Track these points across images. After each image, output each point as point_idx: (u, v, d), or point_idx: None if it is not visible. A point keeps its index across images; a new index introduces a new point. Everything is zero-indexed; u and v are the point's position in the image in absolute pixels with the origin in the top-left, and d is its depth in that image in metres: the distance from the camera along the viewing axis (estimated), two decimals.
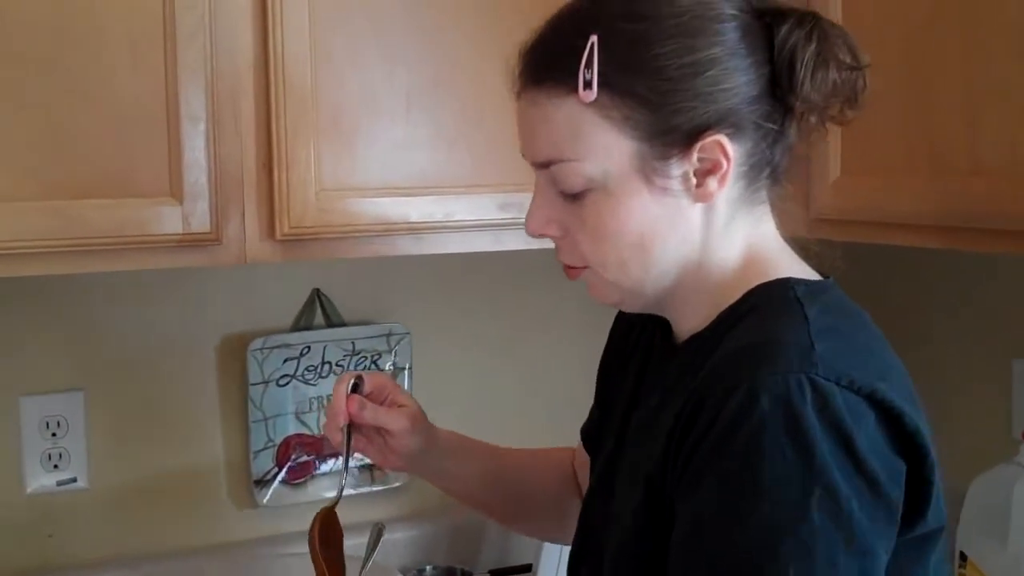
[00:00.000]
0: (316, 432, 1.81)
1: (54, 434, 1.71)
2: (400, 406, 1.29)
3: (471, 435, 1.91)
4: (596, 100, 1.00)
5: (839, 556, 0.89)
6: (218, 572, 1.71)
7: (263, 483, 1.79)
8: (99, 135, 1.33)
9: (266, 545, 1.79)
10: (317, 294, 1.81)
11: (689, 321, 1.08)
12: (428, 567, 1.84)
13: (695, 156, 1.01)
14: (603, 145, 1.01)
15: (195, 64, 1.37)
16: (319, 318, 1.82)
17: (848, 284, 1.08)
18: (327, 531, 1.27)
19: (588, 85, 1.00)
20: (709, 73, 1.00)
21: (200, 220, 1.37)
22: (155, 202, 1.36)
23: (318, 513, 1.28)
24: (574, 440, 1.34)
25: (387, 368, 1.84)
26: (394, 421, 1.27)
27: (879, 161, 1.56)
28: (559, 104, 1.01)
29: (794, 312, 0.98)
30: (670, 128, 1.00)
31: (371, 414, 1.26)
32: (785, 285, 1.02)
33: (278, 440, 1.79)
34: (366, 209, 1.45)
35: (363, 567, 1.65)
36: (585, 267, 1.06)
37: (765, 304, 1.02)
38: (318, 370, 1.81)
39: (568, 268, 1.08)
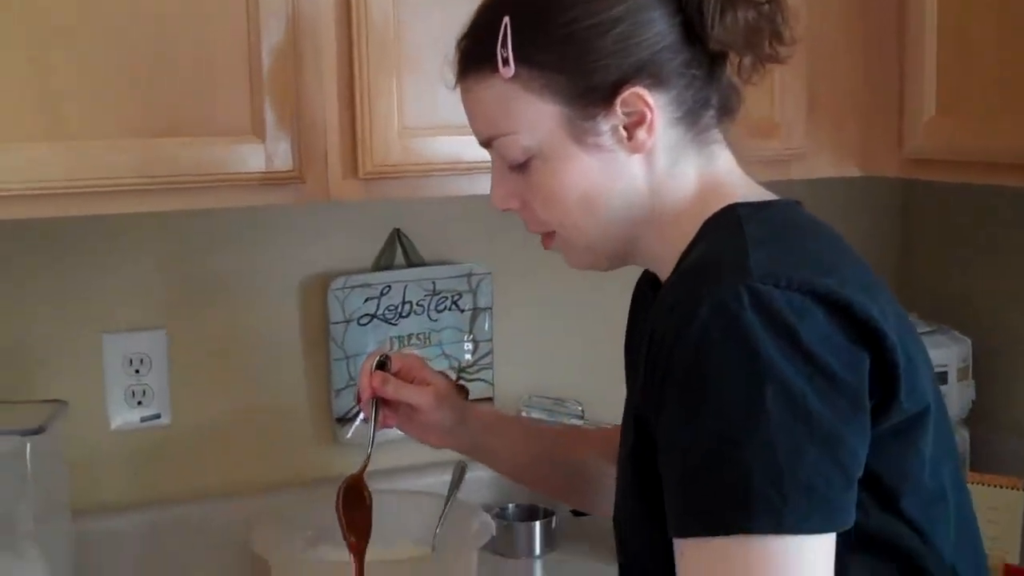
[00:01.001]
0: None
1: (137, 371, 1.72)
2: (427, 384, 1.32)
3: (553, 378, 1.92)
4: (516, 75, 1.06)
5: (805, 446, 0.90)
6: (299, 509, 1.71)
7: (344, 421, 1.79)
8: (182, 73, 1.33)
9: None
10: (397, 234, 1.80)
11: (663, 268, 1.10)
12: (510, 505, 1.84)
13: (619, 111, 1.05)
14: (531, 115, 1.06)
15: (276, 1, 1.35)
16: (399, 258, 1.81)
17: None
18: (353, 497, 1.33)
19: (506, 62, 1.06)
20: (616, 31, 1.04)
21: (283, 158, 1.37)
22: (238, 140, 1.35)
23: (345, 479, 1.33)
24: None
25: (467, 309, 1.83)
26: (418, 396, 1.31)
27: (976, 99, 1.52)
28: (487, 85, 1.08)
29: (733, 231, 1.01)
30: (588, 88, 1.05)
31: (393, 389, 1.31)
32: (729, 210, 1.05)
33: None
34: (449, 147, 1.43)
35: (446, 504, 1.66)
36: (553, 232, 1.12)
37: (711, 231, 1.04)
38: (399, 310, 1.80)
39: (542, 239, 1.14)
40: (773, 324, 0.91)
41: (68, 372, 1.68)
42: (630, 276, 1.24)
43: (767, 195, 1.10)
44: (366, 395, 1.32)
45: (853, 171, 1.68)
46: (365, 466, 1.34)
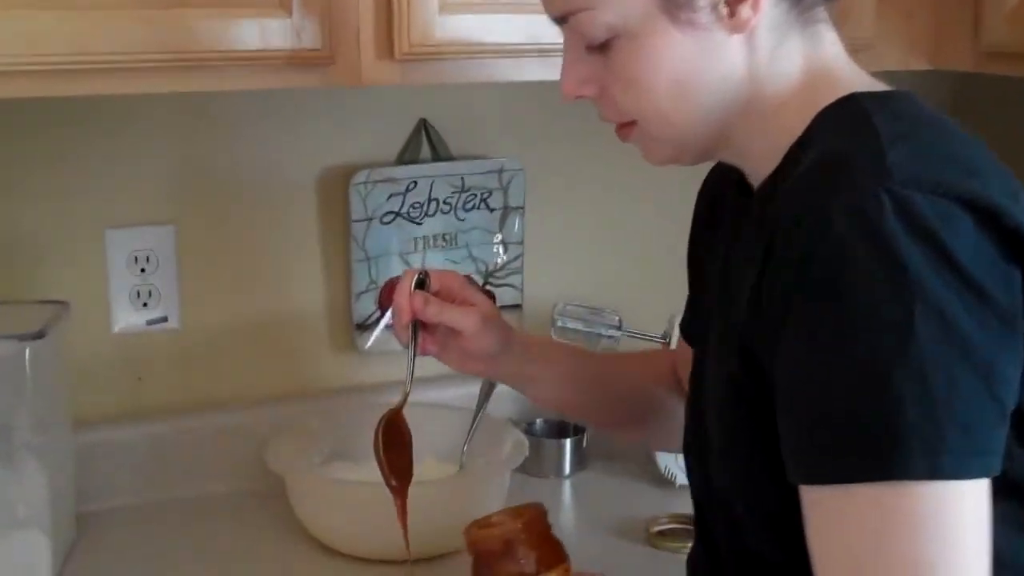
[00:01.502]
0: None
1: (143, 270, 1.59)
2: (470, 305, 1.19)
3: (588, 285, 1.80)
4: None
5: (958, 374, 0.79)
6: (315, 419, 1.60)
7: (365, 327, 1.67)
8: None
9: (367, 392, 1.68)
10: (424, 125, 1.67)
11: (759, 166, 0.97)
12: (538, 421, 1.73)
13: None
14: None
15: None
16: (425, 151, 1.68)
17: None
18: (392, 434, 1.20)
19: None
20: None
21: (311, 36, 1.22)
22: (262, 12, 1.20)
23: (383, 416, 1.20)
24: (684, 292, 1.22)
25: (497, 208, 1.70)
26: (463, 319, 1.17)
27: None
28: None
29: (861, 125, 0.89)
30: None
31: (436, 311, 1.17)
32: (850, 100, 0.92)
33: (381, 282, 1.66)
34: (493, 28, 1.29)
35: (474, 420, 1.55)
36: (633, 123, 0.99)
37: (830, 125, 0.92)
38: (424, 208, 1.67)
39: (618, 129, 1.01)
40: (919, 234, 0.79)
41: (67, 271, 1.55)
42: (679, 174, 1.11)
43: (878, 83, 0.97)
44: (405, 318, 1.18)
45: (923, 64, 1.55)
46: (404, 401, 1.21)
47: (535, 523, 1.06)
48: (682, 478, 1.60)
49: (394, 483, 1.19)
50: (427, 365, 1.34)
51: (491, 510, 1.48)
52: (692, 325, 1.21)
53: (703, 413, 1.03)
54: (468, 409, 1.57)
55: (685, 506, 1.56)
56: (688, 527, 1.50)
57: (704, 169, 1.14)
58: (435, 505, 1.43)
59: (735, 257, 0.98)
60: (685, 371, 1.26)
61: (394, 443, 1.19)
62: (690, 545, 1.45)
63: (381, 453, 1.17)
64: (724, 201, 1.09)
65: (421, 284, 1.19)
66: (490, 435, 1.55)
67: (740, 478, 0.96)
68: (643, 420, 1.32)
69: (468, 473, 1.53)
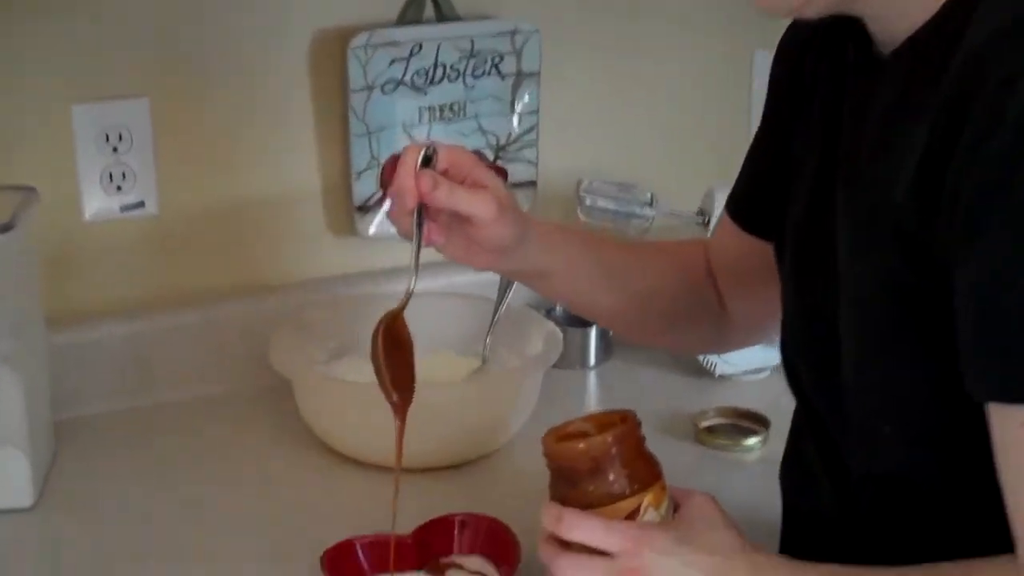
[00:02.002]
0: None
1: (115, 149, 1.40)
2: (483, 187, 1.01)
3: (610, 160, 1.64)
4: None
5: None
6: (316, 312, 1.44)
7: (365, 210, 1.50)
8: None
9: (371, 280, 1.52)
10: None
11: (899, 18, 0.81)
12: (558, 308, 1.57)
13: None
14: None
15: None
16: (429, 10, 1.49)
17: None
18: (393, 342, 1.02)
19: None
20: None
21: None
22: None
23: (380, 321, 1.02)
24: (720, 164, 1.06)
25: (510, 75, 1.53)
26: (478, 205, 0.99)
27: None
28: None
29: None
30: None
31: (447, 195, 0.98)
32: None
33: (384, 159, 1.49)
34: None
35: (496, 309, 1.40)
36: None
37: None
38: (429, 75, 1.49)
39: None
40: None
41: (30, 153, 1.37)
42: (709, 33, 0.95)
43: None
44: (410, 202, 0.99)
45: None
46: (406, 302, 1.03)
47: (628, 437, 0.91)
48: (723, 367, 1.46)
49: (396, 399, 1.02)
50: (427, 250, 1.18)
51: (523, 412, 1.35)
52: (751, 203, 1.06)
53: (821, 314, 0.89)
54: (485, 298, 1.42)
55: (729, 398, 1.43)
56: (738, 423, 1.37)
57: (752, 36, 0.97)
58: (461, 406, 1.29)
59: (868, 125, 0.83)
60: (721, 262, 1.14)
61: (395, 352, 1.02)
62: (744, 443, 1.34)
63: (381, 363, 1.01)
64: (824, 59, 0.93)
65: (427, 161, 1.00)
66: (514, 326, 1.40)
67: (890, 392, 0.83)
68: (673, 322, 1.17)
69: (496, 370, 1.39)
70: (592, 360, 1.54)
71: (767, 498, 1.18)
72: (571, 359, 1.52)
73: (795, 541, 1.01)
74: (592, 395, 1.52)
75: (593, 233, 1.16)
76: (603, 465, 0.89)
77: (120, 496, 1.24)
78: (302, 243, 1.52)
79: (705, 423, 1.36)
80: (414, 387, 1.03)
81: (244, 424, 1.39)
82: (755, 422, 1.36)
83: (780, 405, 1.40)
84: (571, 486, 0.90)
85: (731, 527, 0.90)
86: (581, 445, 0.90)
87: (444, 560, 1.09)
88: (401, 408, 1.02)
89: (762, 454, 1.33)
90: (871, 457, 0.86)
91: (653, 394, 1.46)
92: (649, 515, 0.90)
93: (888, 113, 0.83)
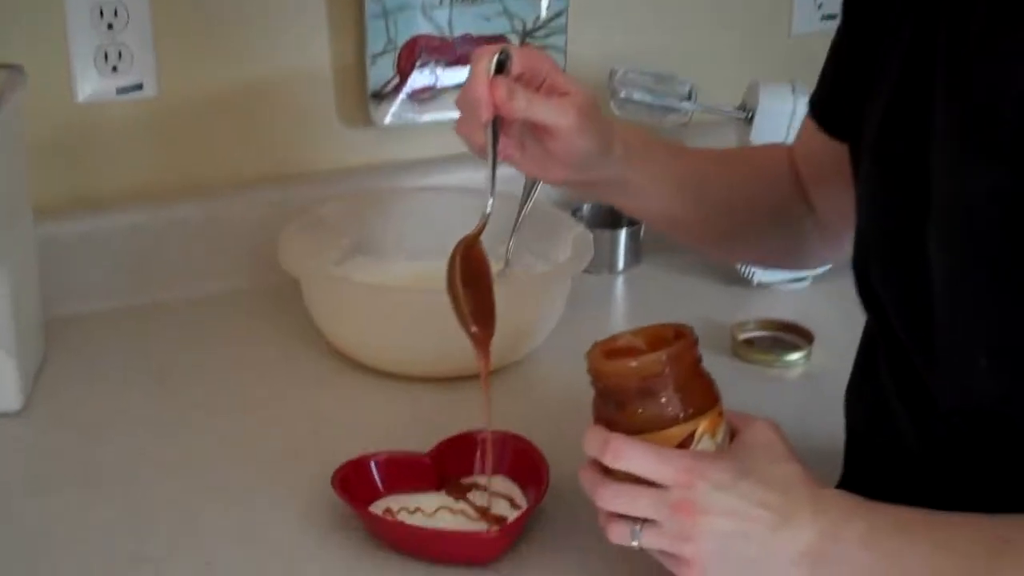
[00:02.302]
0: (448, 33, 1.39)
1: (111, 25, 1.29)
2: (563, 94, 0.91)
3: (646, 47, 1.52)
4: None
5: None
6: (328, 206, 1.33)
7: (381, 97, 1.39)
8: None
9: (383, 174, 1.42)
10: None
11: None
12: (585, 207, 1.47)
13: None
14: None
15: None
16: None
17: None
18: (470, 268, 0.94)
19: None
20: None
21: None
22: None
23: (457, 246, 0.94)
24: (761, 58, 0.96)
25: None
26: (558, 115, 0.90)
27: None
28: None
29: None
30: None
31: (524, 104, 0.89)
32: None
33: (401, 42, 1.38)
34: None
35: (522, 208, 1.29)
36: None
37: None
38: None
39: None
40: None
41: (16, 29, 1.26)
42: None
43: None
44: (485, 114, 0.89)
45: None
46: (484, 225, 0.95)
47: (684, 355, 0.81)
48: (761, 275, 1.36)
49: (475, 330, 0.94)
50: (447, 141, 1.08)
51: (548, 321, 1.26)
52: (835, 107, 0.96)
53: (905, 228, 0.79)
54: (509, 195, 1.31)
55: (768, 309, 1.34)
56: (779, 336, 1.28)
57: None
58: None
59: (972, 26, 0.73)
60: (807, 167, 1.04)
61: (472, 279, 0.94)
62: (786, 358, 1.24)
63: (459, 293, 0.93)
64: None
65: (500, 67, 0.90)
66: (540, 227, 1.29)
67: (989, 319, 0.74)
68: (759, 234, 1.07)
69: (520, 274, 1.29)
70: (621, 264, 1.45)
71: (811, 419, 1.10)
72: (599, 263, 1.41)
73: (860, 475, 0.92)
74: (620, 302, 1.43)
75: (676, 142, 1.05)
76: (655, 386, 0.80)
77: (114, 401, 1.15)
78: (313, 132, 1.41)
79: (743, 335, 1.26)
80: (495, 317, 0.94)
81: (249, 327, 1.29)
82: (797, 335, 1.26)
83: (824, 318, 1.31)
84: (618, 408, 0.81)
85: (794, 459, 0.81)
86: (632, 363, 0.80)
87: (465, 481, 1.00)
88: (483, 341, 0.94)
89: (805, 370, 1.24)
90: (962, 392, 0.77)
91: (686, 302, 1.36)
92: (704, 443, 0.80)
93: (995, 12, 0.72)
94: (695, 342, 0.83)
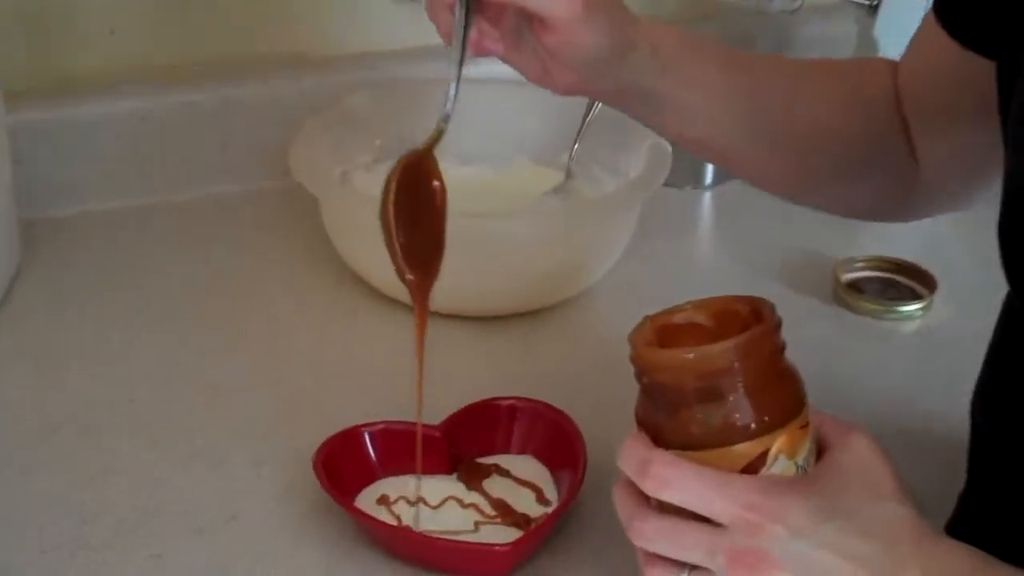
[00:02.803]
0: None
1: None
2: None
3: None
4: None
5: None
6: (350, 96, 1.12)
7: None
8: None
9: (426, 59, 1.17)
10: None
11: None
12: None
13: None
14: None
15: None
16: None
17: None
18: (415, 189, 0.72)
19: None
20: None
21: None
22: None
23: (400, 160, 0.72)
24: None
25: None
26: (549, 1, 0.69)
27: None
28: None
29: None
30: None
31: None
32: None
33: None
34: None
35: (586, 116, 1.08)
36: None
37: None
38: None
39: None
40: None
41: None
42: None
43: None
44: None
45: None
46: (438, 137, 0.74)
47: (761, 346, 0.59)
48: None
49: (409, 276, 0.73)
50: None
51: (612, 251, 1.04)
52: (972, 4, 0.71)
53: None
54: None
55: (882, 243, 1.10)
56: (893, 279, 1.05)
57: None
58: (532, 237, 0.98)
59: None
60: (917, 89, 0.80)
61: (417, 206, 0.72)
62: (900, 308, 1.01)
63: (392, 225, 0.71)
64: None
65: None
66: (611, 132, 1.07)
67: None
68: (842, 176, 0.82)
69: (582, 188, 1.07)
70: (709, 178, 1.22)
71: (926, 392, 0.90)
72: (680, 176, 1.19)
73: (988, 488, 0.70)
74: (703, 226, 1.21)
75: (731, 49, 0.81)
76: (719, 386, 0.58)
77: (87, 330, 0.97)
78: (333, 7, 1.19)
79: (848, 276, 1.04)
80: (440, 259, 0.73)
81: (258, 238, 1.10)
82: (917, 280, 1.03)
83: (952, 258, 1.08)
84: (669, 413, 0.60)
85: (901, 492, 0.59)
86: (690, 356, 0.59)
87: (483, 461, 0.80)
88: (419, 291, 0.72)
89: (923, 325, 1.01)
90: None
91: (782, 230, 1.14)
92: (780, 465, 0.59)
93: None
94: (777, 326, 0.61)
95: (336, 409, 0.85)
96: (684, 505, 0.58)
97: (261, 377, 0.91)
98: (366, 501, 0.76)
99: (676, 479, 0.58)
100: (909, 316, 1.01)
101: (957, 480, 0.76)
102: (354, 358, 0.94)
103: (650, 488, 0.58)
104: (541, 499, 0.77)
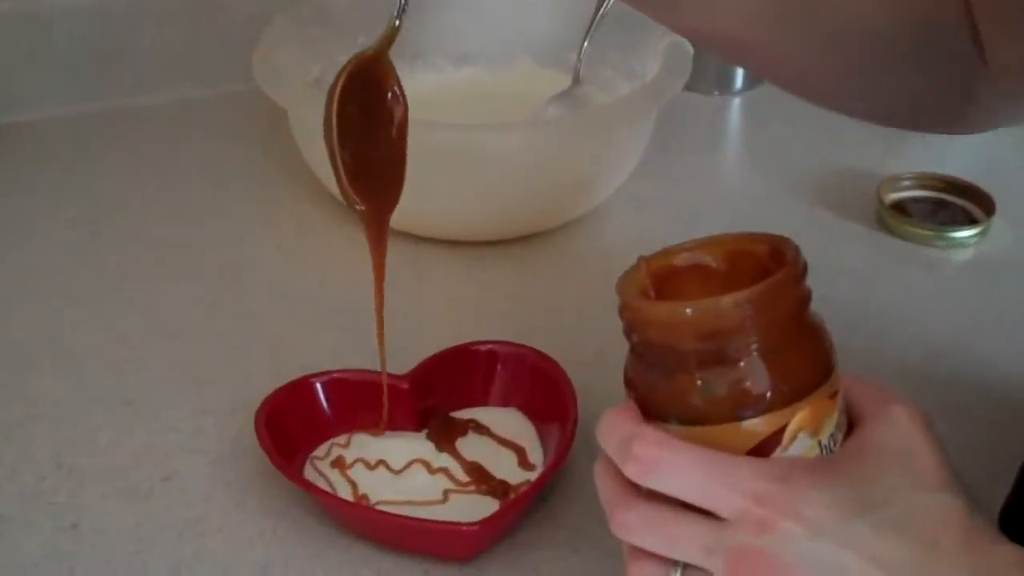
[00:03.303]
0: None
1: None
2: None
3: None
4: None
5: None
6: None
7: None
8: None
9: None
10: None
11: None
12: None
13: None
14: None
15: None
16: None
17: None
18: (366, 99, 0.60)
19: None
20: None
21: None
22: None
23: (347, 64, 0.60)
24: None
25: None
26: None
27: None
28: None
29: None
30: None
31: None
32: None
33: None
34: None
35: (597, 12, 0.94)
36: None
37: None
38: None
39: None
40: None
41: None
42: None
43: None
44: None
45: None
46: (394, 32, 0.61)
47: (781, 298, 0.47)
48: None
49: (360, 206, 0.61)
50: None
51: (623, 166, 0.91)
52: None
53: None
54: None
55: (934, 157, 0.97)
56: (945, 200, 0.92)
57: None
58: (532, 149, 0.85)
59: None
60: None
61: (368, 122, 0.60)
62: (952, 234, 0.88)
63: (335, 140, 0.59)
64: None
65: None
66: (624, 31, 0.94)
67: None
68: (894, 78, 0.68)
69: (591, 95, 0.94)
70: (738, 83, 1.09)
71: (979, 332, 0.77)
72: (704, 80, 1.06)
73: None
74: (731, 136, 1.08)
75: None
76: (728, 347, 0.46)
77: (54, 232, 0.86)
78: None
79: (894, 196, 0.91)
80: (400, 182, 0.61)
81: (225, 150, 0.98)
82: (973, 201, 0.90)
83: (1013, 179, 0.95)
84: (662, 378, 0.48)
85: (947, 478, 0.47)
86: (689, 310, 0.47)
87: (459, 416, 0.68)
88: (373, 222, 0.61)
89: (978, 254, 0.88)
90: None
91: (819, 142, 1.00)
92: (799, 446, 0.47)
93: None
94: (803, 272, 0.48)
95: (298, 352, 0.74)
96: (676, 494, 0.47)
97: (213, 311, 0.80)
98: (320, 464, 0.65)
99: (667, 462, 0.46)
100: (962, 243, 0.88)
101: (1017, 441, 0.65)
102: (326, 292, 0.82)
103: (633, 472, 0.47)
104: (524, 462, 0.65)
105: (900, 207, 0.90)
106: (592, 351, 0.73)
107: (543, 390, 0.67)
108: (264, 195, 0.92)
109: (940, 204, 0.91)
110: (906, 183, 0.92)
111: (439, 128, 0.78)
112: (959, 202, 0.90)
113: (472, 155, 0.81)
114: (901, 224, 0.88)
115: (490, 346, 0.69)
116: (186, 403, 0.71)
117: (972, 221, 0.89)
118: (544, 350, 0.69)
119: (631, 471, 0.47)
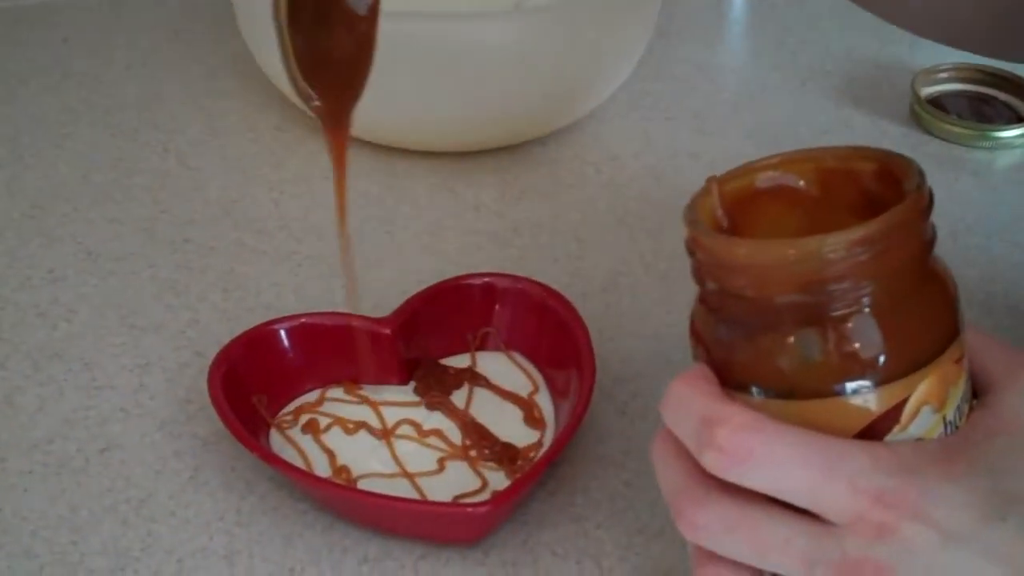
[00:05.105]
0: None
1: None
2: None
3: None
4: None
5: None
6: None
7: None
8: None
9: None
10: None
11: None
12: None
13: None
14: None
15: None
16: None
17: None
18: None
19: None
20: None
21: None
22: None
23: None
24: None
25: None
26: None
27: None
28: None
29: None
30: None
31: None
32: None
33: None
34: None
35: None
36: None
37: None
38: None
39: None
40: None
41: None
42: None
43: None
44: None
45: None
46: None
47: (904, 236, 0.36)
48: None
49: (316, 101, 0.49)
50: None
51: (625, 61, 0.79)
52: None
53: None
54: None
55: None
56: (989, 94, 0.81)
57: None
58: (511, 44, 0.73)
59: None
60: None
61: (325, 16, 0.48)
62: (993, 133, 0.78)
63: (284, 21, 0.47)
64: None
65: None
66: None
67: None
68: None
69: None
70: None
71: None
72: None
73: None
74: (745, 24, 0.95)
75: None
76: (832, 300, 0.35)
77: None
78: None
79: (930, 90, 0.80)
80: (363, 78, 0.49)
81: (166, 43, 0.85)
82: (1020, 95, 0.79)
83: None
84: (745, 337, 0.37)
85: None
86: (790, 251, 0.35)
87: (451, 364, 0.57)
88: (331, 120, 0.49)
89: None
90: None
91: (846, 30, 0.89)
92: (921, 422, 0.37)
93: None
94: (929, 203, 0.37)
95: (255, 289, 0.63)
96: (770, 492, 0.36)
97: (156, 243, 0.68)
98: (289, 430, 0.54)
99: (760, 451, 0.36)
100: (1008, 143, 0.77)
101: None
102: (285, 214, 0.70)
103: (716, 464, 0.36)
104: (531, 419, 0.55)
105: (937, 103, 0.79)
106: (598, 281, 0.62)
107: (551, 332, 0.56)
108: (208, 100, 0.80)
109: (983, 99, 0.80)
110: (944, 75, 0.80)
111: (409, 18, 0.66)
112: (1004, 97, 0.79)
113: (447, 49, 0.69)
114: (939, 122, 0.77)
115: (485, 279, 0.58)
116: (125, 355, 0.60)
117: (1019, 119, 0.78)
118: (539, 280, 0.57)
119: (712, 462, 0.36)
